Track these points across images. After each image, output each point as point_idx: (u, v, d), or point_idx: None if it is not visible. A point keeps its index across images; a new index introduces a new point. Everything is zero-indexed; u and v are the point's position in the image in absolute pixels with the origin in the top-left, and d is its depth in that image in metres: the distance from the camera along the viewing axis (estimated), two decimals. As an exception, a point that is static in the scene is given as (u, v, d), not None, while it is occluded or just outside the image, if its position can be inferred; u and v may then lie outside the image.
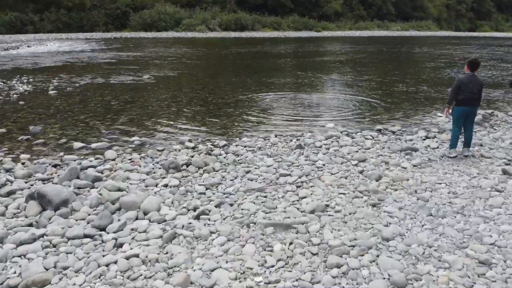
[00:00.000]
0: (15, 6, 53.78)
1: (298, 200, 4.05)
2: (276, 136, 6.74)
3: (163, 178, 4.70)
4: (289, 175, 4.76)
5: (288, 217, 3.62)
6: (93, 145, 6.07)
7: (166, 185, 4.48)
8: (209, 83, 12.86)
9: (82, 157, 5.53)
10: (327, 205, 3.89)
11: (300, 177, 4.70)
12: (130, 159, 5.38)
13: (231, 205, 3.91)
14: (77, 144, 6.07)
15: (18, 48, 30.73)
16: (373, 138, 6.52)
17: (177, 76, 14.36)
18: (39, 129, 6.94)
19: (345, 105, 9.41)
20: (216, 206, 3.86)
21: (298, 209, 3.81)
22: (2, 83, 11.88)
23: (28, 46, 32.19)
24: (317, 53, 26.37)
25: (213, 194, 4.25)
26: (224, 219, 3.65)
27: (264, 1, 72.88)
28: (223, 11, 68.06)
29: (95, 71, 15.11)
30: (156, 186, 4.48)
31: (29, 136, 6.53)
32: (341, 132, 6.89)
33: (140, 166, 5.12)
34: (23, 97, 9.88)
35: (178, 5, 65.10)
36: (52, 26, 55.51)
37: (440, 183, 4.47)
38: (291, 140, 6.43)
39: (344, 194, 4.19)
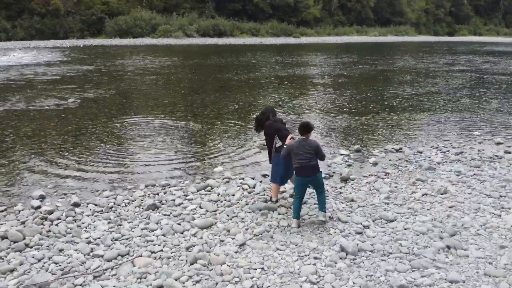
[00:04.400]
0: (-15, 13, 52.57)
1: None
2: (146, 186, 6.23)
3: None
4: (101, 256, 4.22)
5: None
6: None
7: None
8: (125, 109, 12.30)
9: None
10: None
11: (113, 260, 4.15)
12: None
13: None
14: None
15: (-23, 59, 29.80)
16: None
17: (107, 98, 13.73)
18: None
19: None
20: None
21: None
22: None
23: (-12, 57, 31.24)
24: (288, 65, 25.89)
25: (-10, 288, 3.69)
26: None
27: (243, 6, 72.49)
28: (201, 17, 67.47)
29: (25, 93, 14.43)
30: None
31: None
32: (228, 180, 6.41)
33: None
34: None
35: (155, 11, 64.39)
36: (25, 33, 54.28)
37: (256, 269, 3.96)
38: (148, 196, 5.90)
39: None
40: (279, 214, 5.22)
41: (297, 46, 50.44)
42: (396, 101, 13.77)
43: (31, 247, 4.42)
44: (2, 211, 5.34)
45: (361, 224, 4.90)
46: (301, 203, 4.94)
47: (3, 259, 4.15)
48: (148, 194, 5.91)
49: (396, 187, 6.23)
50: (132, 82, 17.82)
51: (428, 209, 5.37)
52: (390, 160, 7.66)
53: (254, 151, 8.05)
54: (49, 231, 4.80)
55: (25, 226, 4.86)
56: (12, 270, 3.93)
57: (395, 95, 15.07)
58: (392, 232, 4.73)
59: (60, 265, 4.05)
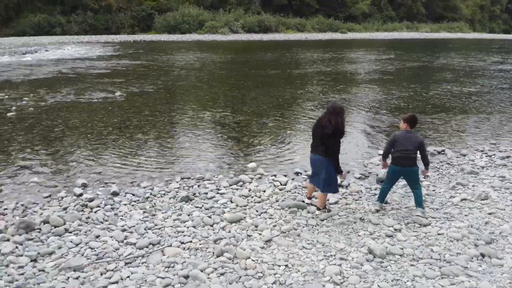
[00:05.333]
0: (43, 8, 55.80)
1: None
2: (182, 179, 6.42)
3: (2, 241, 4.46)
4: (134, 244, 4.42)
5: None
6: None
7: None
8: (176, 103, 12.66)
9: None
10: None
11: (144, 248, 4.34)
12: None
13: (29, 290, 3.61)
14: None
15: (36, 52, 31.73)
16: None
17: (151, 92, 14.20)
18: (-49, 164, 6.92)
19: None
20: (8, 291, 3.58)
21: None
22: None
23: (46, 50, 33.16)
24: (334, 61, 25.56)
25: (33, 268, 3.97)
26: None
27: (289, 1, 72.08)
28: (247, 13, 67.88)
29: (75, 86, 15.22)
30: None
31: None
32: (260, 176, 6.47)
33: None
34: (-24, 120, 10.02)
35: (202, 7, 65.51)
36: (79, 28, 57.09)
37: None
38: (191, 187, 6.07)
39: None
40: (308, 212, 5.20)
41: (344, 42, 49.49)
42: (443, 100, 13.21)
43: (70, 232, 4.70)
44: (46, 197, 5.70)
45: (392, 227, 4.79)
46: (389, 190, 5.21)
47: (43, 242, 4.45)
48: (183, 187, 6.08)
49: (434, 190, 6.01)
50: (176, 77, 18.29)
51: (465, 215, 5.15)
52: (431, 162, 7.37)
53: (288, 148, 8.06)
54: (88, 217, 5.08)
55: (66, 212, 5.17)
56: (50, 253, 4.21)
57: (442, 93, 14.46)
58: (424, 237, 4.59)
59: (95, 251, 4.28)
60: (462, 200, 5.59)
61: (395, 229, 4.75)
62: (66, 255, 4.20)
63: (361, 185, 6.23)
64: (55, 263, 4.01)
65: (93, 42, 42.99)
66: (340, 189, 5.96)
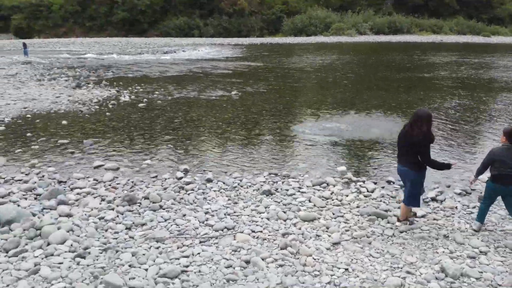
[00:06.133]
0: (185, 11, 62.04)
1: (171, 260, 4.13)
2: (269, 174, 6.72)
3: (108, 210, 5.31)
4: (211, 226, 4.86)
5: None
6: (107, 165, 7.09)
7: (102, 218, 5.09)
8: (292, 105, 13.06)
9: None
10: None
11: (219, 231, 4.75)
12: (110, 185, 6.18)
13: (117, 251, 4.28)
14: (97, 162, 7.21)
15: (175, 52, 35.67)
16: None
17: (264, 93, 14.86)
18: (90, 143, 8.39)
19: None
20: (103, 250, 4.29)
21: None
22: (116, 92, 14.34)
23: (183, 51, 37.03)
24: (471, 66, 23.42)
25: (127, 234, 4.68)
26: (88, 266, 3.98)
27: (425, 2, 67.41)
28: (377, 14, 65.59)
29: (199, 83, 16.77)
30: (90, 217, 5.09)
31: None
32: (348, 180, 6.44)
33: (115, 194, 5.86)
34: (114, 108, 11.84)
35: (330, 9, 65.35)
36: (214, 31, 62.12)
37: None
38: (275, 183, 6.35)
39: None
40: (387, 222, 5.02)
41: (485, 46, 44.44)
42: None
43: (163, 209, 5.37)
44: (152, 177, 6.56)
45: (478, 248, 4.35)
46: (488, 209, 4.84)
47: (140, 214, 5.18)
48: (268, 181, 6.37)
49: None
50: (291, 78, 18.78)
51: None
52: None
53: (386, 155, 7.75)
54: (182, 198, 5.72)
55: (165, 191, 5.89)
56: (143, 225, 4.89)
57: None
58: (513, 264, 4.08)
59: (179, 227, 4.84)
60: None
61: (481, 251, 4.31)
62: (155, 228, 4.83)
63: (459, 201, 5.72)
64: (143, 233, 4.66)
65: (224, 44, 46.32)
66: (433, 203, 5.60)
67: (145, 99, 12.99)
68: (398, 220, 5.00)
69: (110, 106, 12.06)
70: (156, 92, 14.33)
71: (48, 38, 57.54)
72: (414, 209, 5.23)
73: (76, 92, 14.27)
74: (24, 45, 29.81)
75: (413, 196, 4.81)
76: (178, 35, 59.93)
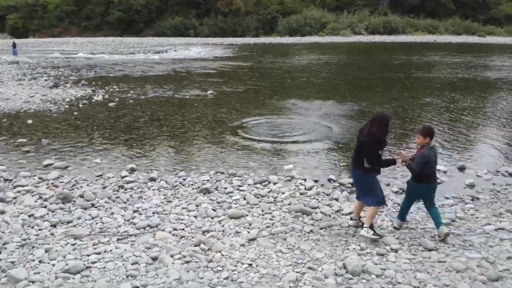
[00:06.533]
0: (181, 11, 62.18)
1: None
2: (216, 173, 6.78)
3: (41, 208, 5.39)
4: (135, 224, 4.92)
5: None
6: (56, 164, 7.16)
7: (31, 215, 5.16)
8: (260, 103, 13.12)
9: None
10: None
11: (141, 229, 4.81)
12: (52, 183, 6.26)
13: (33, 247, 4.35)
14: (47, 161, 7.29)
15: (166, 52, 35.74)
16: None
17: (240, 92, 14.92)
18: (47, 142, 8.46)
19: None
20: (20, 246, 4.36)
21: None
22: (91, 91, 14.42)
23: (175, 51, 37.11)
24: (466, 66, 23.45)
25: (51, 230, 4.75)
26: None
27: (422, 2, 67.37)
28: (372, 14, 65.57)
29: (178, 83, 16.86)
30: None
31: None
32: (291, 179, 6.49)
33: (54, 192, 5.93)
34: (84, 107, 11.92)
35: (326, 9, 65.36)
36: (209, 31, 62.17)
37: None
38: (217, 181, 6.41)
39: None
40: (311, 219, 5.08)
41: (479, 46, 44.37)
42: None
43: (95, 207, 5.44)
44: (97, 176, 6.63)
45: (389, 246, 4.41)
46: (409, 207, 4.88)
47: (70, 212, 5.25)
48: (212, 180, 6.43)
49: (473, 215, 5.28)
50: (274, 79, 18.83)
51: (491, 246, 4.43)
52: (494, 184, 6.43)
53: (337, 154, 7.81)
54: (118, 197, 5.79)
55: (102, 190, 5.95)
56: (69, 222, 4.96)
57: None
58: (419, 262, 4.12)
59: (104, 225, 4.91)
60: (497, 229, 4.81)
61: (392, 249, 4.36)
62: (80, 225, 4.90)
63: (392, 199, 5.77)
64: (65, 230, 4.73)
65: (217, 44, 46.37)
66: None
67: (116, 99, 13.07)
68: (362, 226, 4.67)
69: (81, 105, 12.14)
70: (131, 92, 14.41)
71: (43, 38, 57.73)
72: (342, 205, 5.35)
73: (52, 91, 14.36)
74: (14, 44, 29.94)
75: (367, 192, 4.62)
76: (174, 34, 60.03)
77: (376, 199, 4.59)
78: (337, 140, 8.77)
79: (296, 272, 3.91)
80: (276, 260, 4.13)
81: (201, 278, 3.79)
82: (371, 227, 4.51)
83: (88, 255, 4.20)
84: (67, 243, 4.44)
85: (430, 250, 4.34)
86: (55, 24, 62.11)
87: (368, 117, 10.48)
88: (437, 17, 65.38)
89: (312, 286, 3.70)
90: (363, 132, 4.58)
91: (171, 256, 4.15)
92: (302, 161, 7.50)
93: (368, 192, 4.63)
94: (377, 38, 55.30)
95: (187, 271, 3.90)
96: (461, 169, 7.11)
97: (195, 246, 4.38)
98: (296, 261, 4.12)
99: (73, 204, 5.52)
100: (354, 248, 4.39)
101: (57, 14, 61.55)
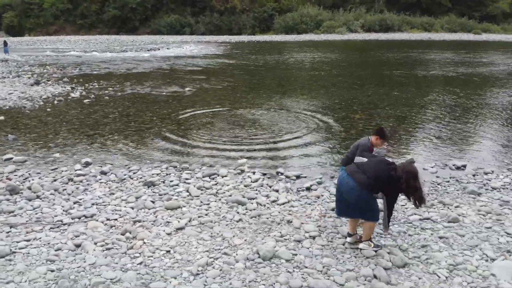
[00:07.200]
0: (176, 9, 62.31)
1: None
2: (168, 167, 6.95)
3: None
4: (70, 214, 5.10)
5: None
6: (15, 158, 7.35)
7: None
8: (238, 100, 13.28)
9: None
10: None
11: (76, 218, 4.99)
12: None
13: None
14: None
15: (159, 49, 35.91)
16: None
17: (218, 89, 15.09)
18: (12, 138, 8.65)
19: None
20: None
21: None
22: (70, 88, 14.61)
23: (167, 48, 37.29)
24: (460, 64, 23.56)
25: None
26: None
27: (417, 0, 67.40)
28: (368, 12, 65.63)
29: (159, 80, 17.04)
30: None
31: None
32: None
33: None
34: (59, 104, 12.11)
35: (322, 7, 65.43)
36: (205, 29, 62.33)
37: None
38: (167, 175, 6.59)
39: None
40: (245, 209, 5.25)
41: (475, 43, 44.43)
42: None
43: (40, 199, 5.62)
44: (52, 169, 6.81)
45: (309, 233, 4.58)
46: None
47: (15, 203, 5.43)
48: (163, 173, 6.60)
49: (403, 205, 5.44)
50: (257, 76, 18.98)
51: (410, 235, 4.60)
52: (437, 177, 6.59)
53: (293, 150, 7.98)
54: (65, 189, 5.97)
55: (52, 182, 6.14)
56: (10, 212, 5.14)
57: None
58: (332, 248, 4.29)
59: (43, 215, 5.09)
60: (422, 219, 4.97)
61: (310, 236, 4.54)
62: (20, 215, 5.09)
63: (329, 191, 5.91)
64: (4, 219, 4.91)
65: (211, 42, 46.52)
66: (304, 192, 5.84)
67: (92, 96, 13.25)
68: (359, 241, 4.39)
69: (56, 102, 12.33)
70: (110, 88, 14.59)
71: (39, 36, 57.95)
72: (279, 195, 5.53)
73: (32, 89, 14.54)
74: (5, 43, 30.14)
75: (376, 209, 4.22)
76: (169, 32, 60.21)
77: (376, 213, 4.21)
78: (299, 135, 8.93)
79: (211, 257, 4.08)
80: (195, 247, 4.31)
81: (116, 263, 3.97)
82: (371, 239, 4.34)
83: (18, 242, 4.38)
84: (2, 231, 4.62)
85: (346, 237, 4.51)
86: (51, 22, 62.31)
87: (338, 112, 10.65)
88: (433, 15, 65.40)
89: (220, 269, 3.87)
90: (397, 173, 4.01)
91: (95, 244, 4.33)
92: (258, 154, 7.67)
93: (365, 208, 4.17)
94: (372, 36, 55.37)
95: (105, 257, 4.08)
96: (410, 163, 7.26)
97: (122, 235, 4.56)
98: (214, 248, 4.29)
99: (20, 195, 5.70)
100: (274, 235, 4.56)
101: (52, 12, 61.74)
